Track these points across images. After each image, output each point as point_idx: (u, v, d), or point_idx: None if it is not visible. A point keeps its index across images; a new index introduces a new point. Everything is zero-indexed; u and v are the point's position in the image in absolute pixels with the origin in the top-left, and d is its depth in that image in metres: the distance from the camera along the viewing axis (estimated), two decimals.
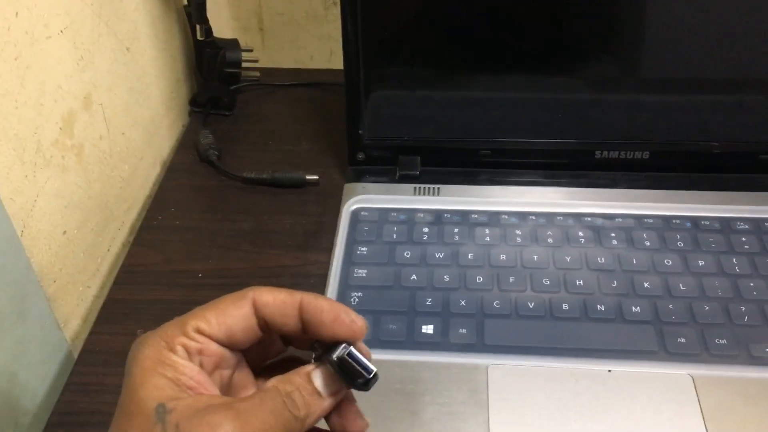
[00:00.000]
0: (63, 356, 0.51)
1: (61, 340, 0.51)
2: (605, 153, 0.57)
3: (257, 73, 0.75)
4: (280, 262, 0.56)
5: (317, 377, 0.30)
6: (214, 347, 0.31)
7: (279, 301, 0.31)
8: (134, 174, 0.61)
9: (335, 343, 0.31)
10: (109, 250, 0.58)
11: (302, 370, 0.30)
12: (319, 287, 0.53)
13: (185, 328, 0.30)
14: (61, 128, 0.49)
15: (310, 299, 0.31)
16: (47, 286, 0.49)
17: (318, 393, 0.30)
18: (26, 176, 0.45)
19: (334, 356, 0.30)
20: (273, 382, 0.30)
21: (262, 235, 0.58)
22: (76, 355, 0.52)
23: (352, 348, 0.30)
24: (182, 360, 0.29)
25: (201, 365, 0.30)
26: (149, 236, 0.58)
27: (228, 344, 0.31)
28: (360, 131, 0.58)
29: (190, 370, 0.29)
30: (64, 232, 0.50)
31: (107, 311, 0.52)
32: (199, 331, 0.30)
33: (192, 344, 0.30)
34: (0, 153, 0.42)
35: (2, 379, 0.44)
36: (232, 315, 0.31)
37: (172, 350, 0.29)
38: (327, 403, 0.30)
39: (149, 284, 0.54)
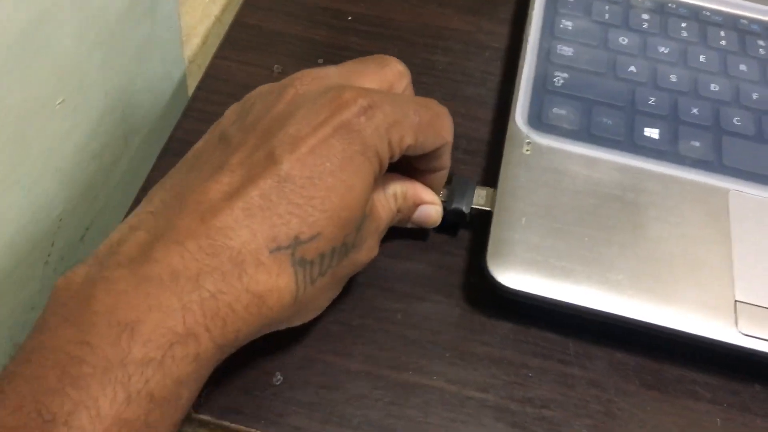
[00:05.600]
0: (180, 76, 0.41)
1: (181, 57, 0.41)
2: None
3: None
4: (449, 23, 0.45)
5: (420, 213, 0.32)
6: None
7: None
8: None
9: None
10: None
11: (419, 197, 0.31)
12: (497, 62, 0.43)
13: (402, 141, 0.27)
14: None
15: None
16: None
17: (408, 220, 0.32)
18: None
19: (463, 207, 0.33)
20: (397, 189, 0.30)
21: None
22: (190, 79, 0.43)
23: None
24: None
25: None
26: None
27: None
28: None
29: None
30: None
31: (236, 35, 0.42)
32: (402, 148, 0.28)
33: (396, 157, 0.28)
34: None
35: (121, 82, 0.34)
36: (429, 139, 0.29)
37: (383, 168, 0.27)
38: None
39: (288, 14, 0.43)
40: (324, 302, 0.28)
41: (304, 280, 0.25)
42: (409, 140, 0.27)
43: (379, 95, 0.27)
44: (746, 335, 0.30)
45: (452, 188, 0.34)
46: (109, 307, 0.21)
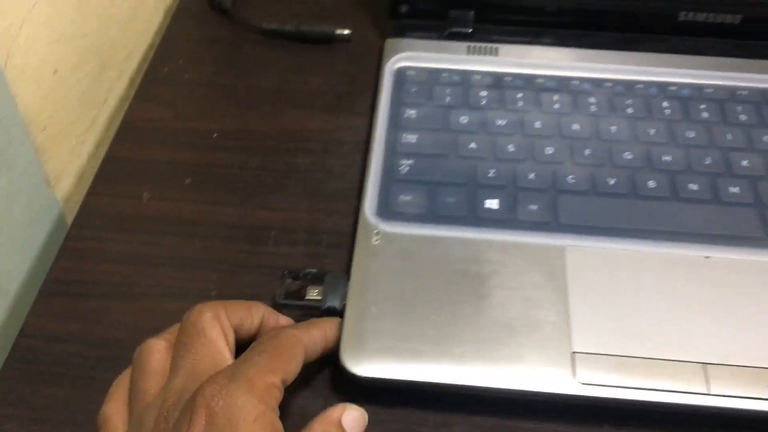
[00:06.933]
0: (54, 218, 0.43)
1: (52, 199, 0.43)
2: (691, 15, 0.49)
3: None
4: (308, 125, 0.48)
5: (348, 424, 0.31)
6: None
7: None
8: (134, 17, 0.52)
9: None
10: (105, 102, 0.49)
11: (333, 418, 0.31)
12: (355, 155, 0.46)
13: (233, 319, 0.33)
14: None
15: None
16: (36, 134, 0.41)
17: None
18: None
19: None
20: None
21: (286, 94, 0.50)
22: (69, 218, 0.45)
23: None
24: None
25: None
26: (154, 89, 0.50)
27: None
28: None
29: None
30: (55, 72, 0.42)
31: (108, 170, 0.44)
32: (236, 330, 0.33)
33: (231, 339, 0.33)
34: None
35: None
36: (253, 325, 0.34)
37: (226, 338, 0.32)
38: None
39: (156, 142, 0.46)
40: None
41: None
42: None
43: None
44: (584, 384, 0.32)
45: (325, 287, 0.36)
46: None
